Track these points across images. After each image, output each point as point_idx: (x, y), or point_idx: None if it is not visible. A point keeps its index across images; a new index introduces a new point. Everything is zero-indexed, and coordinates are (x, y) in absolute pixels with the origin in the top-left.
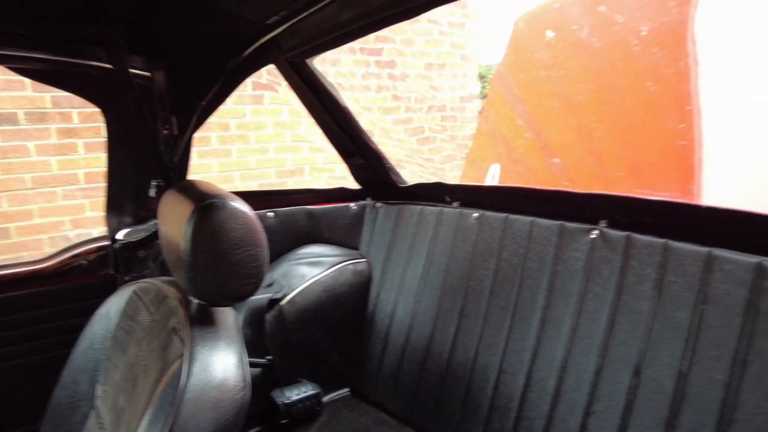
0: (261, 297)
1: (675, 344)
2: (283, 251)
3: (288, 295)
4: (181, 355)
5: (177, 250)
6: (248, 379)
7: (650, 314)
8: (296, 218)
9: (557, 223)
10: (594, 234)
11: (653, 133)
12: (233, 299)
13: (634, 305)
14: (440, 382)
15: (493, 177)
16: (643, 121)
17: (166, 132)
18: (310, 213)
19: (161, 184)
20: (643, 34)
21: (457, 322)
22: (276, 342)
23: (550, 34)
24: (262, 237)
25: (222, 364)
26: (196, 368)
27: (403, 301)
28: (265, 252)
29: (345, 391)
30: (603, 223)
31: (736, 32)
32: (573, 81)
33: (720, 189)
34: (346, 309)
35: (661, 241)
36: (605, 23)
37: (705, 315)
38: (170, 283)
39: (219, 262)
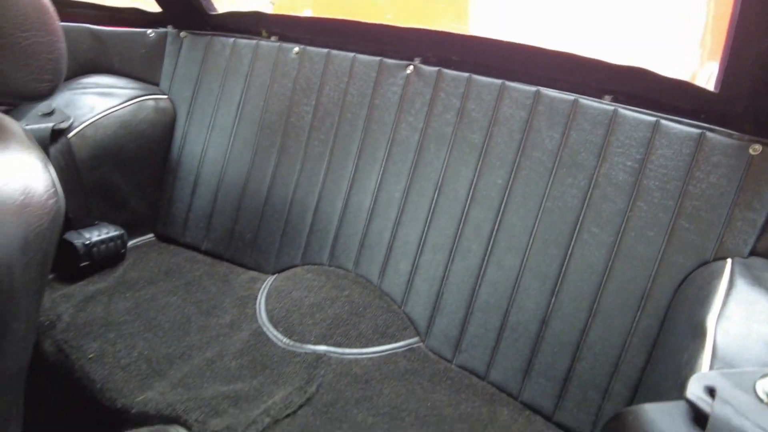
0: (40, 126)
1: (470, 160)
2: None
3: (76, 127)
4: None
5: None
6: (60, 188)
7: (452, 137)
8: (77, 38)
9: (377, 59)
10: (409, 69)
11: None
12: (21, 97)
13: (440, 130)
14: (257, 217)
15: None
16: None
17: None
18: (95, 35)
19: None
20: None
21: (276, 158)
22: (64, 180)
23: None
24: (57, 23)
25: (20, 165)
26: None
27: (214, 141)
28: (62, 45)
29: (150, 236)
30: (417, 60)
31: None
32: None
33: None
34: (148, 149)
35: (466, 74)
36: None
37: (494, 134)
38: None
39: (1, 45)
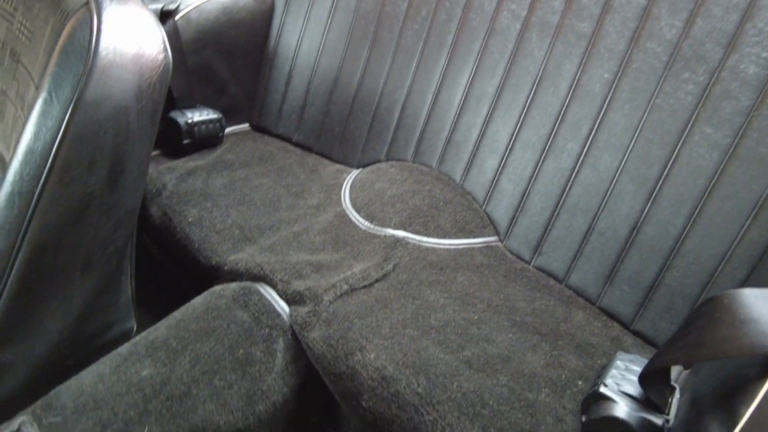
0: (150, 7)
1: (575, 52)
2: None
3: (182, 10)
4: (85, 3)
5: None
6: (168, 47)
7: (558, 26)
8: None
9: None
10: None
11: None
12: None
13: (545, 19)
14: (347, 111)
15: None
16: None
17: None
18: None
19: None
20: None
21: (368, 50)
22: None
23: None
24: None
25: (135, 20)
26: (108, 17)
27: (310, 34)
28: None
29: (245, 125)
30: None
31: None
32: None
33: None
34: (246, 38)
35: None
36: None
37: (604, 23)
38: None
39: None
